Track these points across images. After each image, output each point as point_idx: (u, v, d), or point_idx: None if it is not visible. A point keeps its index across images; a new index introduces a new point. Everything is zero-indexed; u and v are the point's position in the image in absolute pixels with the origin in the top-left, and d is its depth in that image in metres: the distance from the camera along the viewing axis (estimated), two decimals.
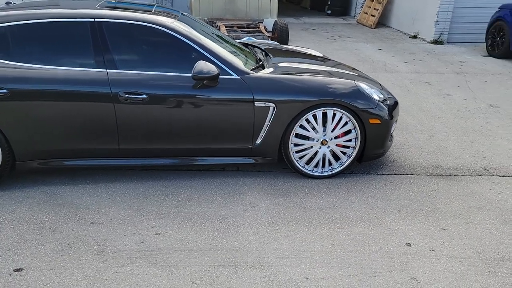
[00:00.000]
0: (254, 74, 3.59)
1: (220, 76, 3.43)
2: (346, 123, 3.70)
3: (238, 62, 3.64)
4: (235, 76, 3.52)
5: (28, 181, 3.58)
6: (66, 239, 2.88)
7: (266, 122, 3.59)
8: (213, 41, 3.72)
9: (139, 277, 2.56)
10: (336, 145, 3.76)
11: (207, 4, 9.10)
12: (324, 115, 3.65)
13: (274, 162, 3.78)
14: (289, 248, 2.87)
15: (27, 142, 3.34)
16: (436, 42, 10.47)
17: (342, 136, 3.75)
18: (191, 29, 3.66)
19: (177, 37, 3.49)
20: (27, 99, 3.24)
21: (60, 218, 3.12)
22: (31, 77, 3.24)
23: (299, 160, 3.78)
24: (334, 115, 3.65)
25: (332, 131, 3.70)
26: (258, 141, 3.65)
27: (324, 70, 4.05)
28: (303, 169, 3.80)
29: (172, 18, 3.71)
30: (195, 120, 3.49)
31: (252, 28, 8.54)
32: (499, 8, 9.28)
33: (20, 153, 3.37)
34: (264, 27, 8.62)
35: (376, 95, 3.78)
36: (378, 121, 3.71)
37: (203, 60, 3.41)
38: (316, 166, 3.83)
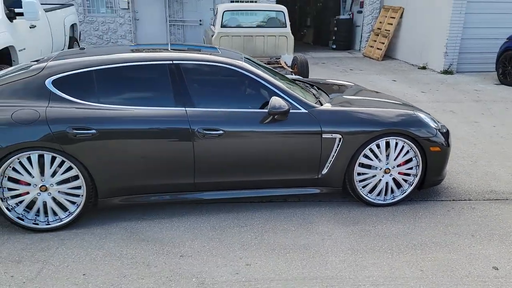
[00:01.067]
0: (320, 107, 3.77)
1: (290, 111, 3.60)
2: (407, 152, 3.86)
3: (303, 96, 3.83)
4: (303, 110, 3.69)
5: (105, 218, 3.66)
6: (163, 273, 2.96)
7: (332, 153, 3.74)
8: (276, 79, 3.91)
9: None
10: (398, 173, 3.91)
11: (226, 43, 9.40)
12: (387, 144, 3.81)
13: (339, 191, 3.90)
14: (381, 275, 2.96)
15: (110, 179, 3.45)
16: (446, 72, 10.83)
17: (403, 165, 3.91)
18: (257, 68, 3.85)
19: (248, 75, 3.68)
20: (113, 138, 3.37)
21: (149, 252, 3.19)
22: (116, 117, 3.39)
23: (363, 188, 3.91)
24: (396, 144, 3.81)
25: (394, 159, 3.85)
26: (324, 171, 3.79)
27: (378, 101, 4.25)
28: (366, 198, 3.93)
29: (239, 59, 3.91)
30: (266, 153, 3.63)
31: (273, 63, 8.82)
32: (507, 39, 9.68)
33: (103, 190, 3.47)
34: (285, 62, 8.91)
35: (432, 124, 3.96)
36: (438, 149, 3.88)
37: (274, 96, 3.59)
38: (378, 194, 3.96)
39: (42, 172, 3.37)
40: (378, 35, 13.47)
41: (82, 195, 3.46)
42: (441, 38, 10.86)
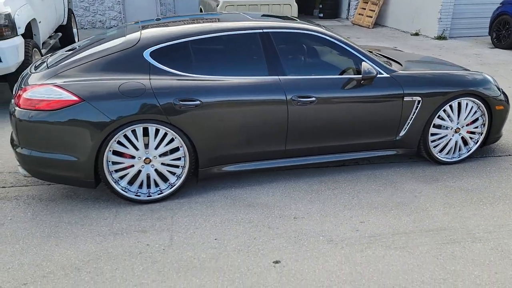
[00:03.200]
0: (400, 71, 3.94)
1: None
2: (475, 112, 4.11)
3: (384, 62, 3.98)
4: (386, 75, 3.85)
5: (198, 188, 3.74)
6: (289, 233, 3.10)
7: (411, 115, 3.94)
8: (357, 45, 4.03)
9: (387, 259, 2.83)
10: (467, 132, 4.17)
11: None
12: (458, 104, 4.04)
13: (413, 152, 4.13)
14: (488, 223, 3.22)
15: (210, 149, 3.51)
16: (440, 38, 11.20)
17: (471, 124, 4.16)
18: (338, 35, 3.96)
19: (334, 42, 3.78)
20: (214, 108, 3.42)
21: (263, 216, 3.32)
22: (217, 88, 3.43)
23: (434, 148, 4.16)
24: (466, 104, 4.05)
25: (464, 119, 4.10)
26: (402, 133, 4.00)
27: (441, 63, 4.47)
28: (437, 156, 4.18)
29: (320, 26, 4.00)
30: (353, 118, 3.79)
31: None
32: (500, 3, 10.10)
33: (203, 160, 3.53)
34: None
35: (496, 84, 4.23)
36: (502, 107, 4.15)
37: (364, 62, 3.72)
38: (447, 153, 4.21)
39: (145, 145, 3.38)
40: (367, 2, 13.65)
41: (184, 166, 3.51)
42: (435, 4, 11.17)
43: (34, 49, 6.03)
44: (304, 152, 3.83)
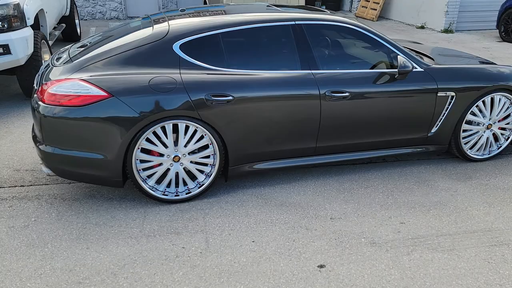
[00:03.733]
0: (434, 65, 3.81)
1: None
2: (508, 107, 4.01)
3: (417, 56, 3.85)
4: (419, 69, 3.72)
5: (225, 187, 3.60)
6: (328, 235, 2.98)
7: (444, 111, 3.82)
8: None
9: (436, 262, 2.71)
10: (498, 128, 4.06)
11: (241, 1, 9.19)
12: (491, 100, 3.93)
13: (445, 149, 4.02)
14: None
15: (241, 146, 3.37)
16: (446, 31, 11.09)
17: (502, 120, 4.05)
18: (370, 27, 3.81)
19: (369, 35, 3.65)
20: (246, 104, 3.27)
21: (298, 216, 3.19)
22: (250, 83, 3.28)
23: (465, 145, 4.04)
24: (499, 99, 3.94)
25: (497, 114, 3.99)
26: (434, 129, 3.88)
27: (472, 58, 4.35)
28: (468, 153, 4.07)
29: (353, 18, 3.85)
30: (385, 113, 3.66)
31: None
32: None
33: (233, 158, 3.39)
34: None
35: None
36: None
37: (399, 56, 3.59)
38: (478, 149, 4.10)
39: (174, 142, 3.24)
40: None
41: (214, 164, 3.37)
42: None
43: (42, 40, 5.83)
44: (334, 149, 3.70)
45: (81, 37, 9.29)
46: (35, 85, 3.45)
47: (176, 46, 3.25)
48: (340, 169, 3.95)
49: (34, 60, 5.49)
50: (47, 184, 3.63)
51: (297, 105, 3.40)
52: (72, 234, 2.94)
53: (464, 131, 3.98)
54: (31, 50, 5.38)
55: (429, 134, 3.89)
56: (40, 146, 3.18)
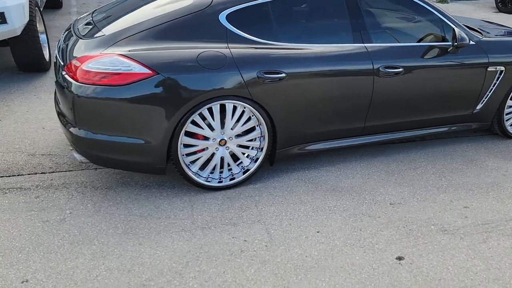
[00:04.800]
0: (485, 38, 3.62)
1: None
2: None
3: (467, 28, 3.63)
4: (471, 42, 3.52)
5: (268, 171, 3.35)
6: (395, 222, 2.79)
7: (491, 87, 3.65)
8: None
9: None
10: None
11: None
12: None
13: (487, 126, 3.88)
14: None
15: (290, 127, 3.11)
16: (441, 1, 10.94)
17: None
18: None
19: (423, 6, 3.40)
20: (299, 81, 3.00)
21: (355, 203, 3.00)
22: (302, 58, 3.00)
23: (507, 121, 3.91)
24: None
25: None
26: (479, 106, 3.72)
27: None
28: (509, 129, 3.95)
29: None
30: (436, 90, 3.46)
31: None
32: None
33: (282, 140, 3.13)
34: None
35: None
36: None
37: (456, 28, 3.36)
38: None
39: (221, 125, 2.95)
40: None
41: (261, 148, 3.11)
42: None
43: (36, 8, 5.31)
44: (381, 129, 3.49)
45: (63, 4, 8.62)
46: (59, 59, 3.06)
47: (222, 17, 2.91)
48: (380, 149, 3.76)
49: (30, 30, 4.99)
50: (71, 171, 3.29)
51: (350, 81, 3.15)
52: (118, 228, 2.65)
53: (509, 107, 3.84)
54: (27, 19, 4.88)
55: (474, 111, 3.73)
56: (71, 129, 2.83)
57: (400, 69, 3.24)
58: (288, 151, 3.22)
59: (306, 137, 3.24)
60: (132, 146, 2.78)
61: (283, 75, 2.92)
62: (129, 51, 2.73)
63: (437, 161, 3.58)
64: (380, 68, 3.18)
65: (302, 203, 2.97)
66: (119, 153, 2.82)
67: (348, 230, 2.71)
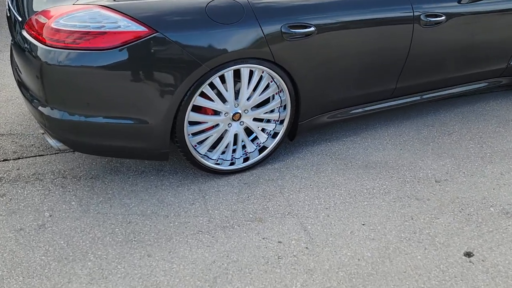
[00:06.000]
0: None
1: None
2: None
3: None
4: None
5: (284, 145, 2.82)
6: (448, 206, 2.36)
7: None
8: None
9: None
10: None
11: None
12: None
13: None
14: None
15: (316, 94, 2.56)
16: None
17: None
18: None
19: None
20: (328, 36, 2.41)
21: (395, 181, 2.54)
22: (331, 5, 2.40)
23: None
24: None
25: None
26: None
27: None
28: None
29: None
30: (475, 41, 3.00)
31: None
32: None
33: (306, 109, 2.59)
34: None
35: None
36: None
37: None
38: None
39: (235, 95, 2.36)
40: None
41: (281, 120, 2.55)
42: None
43: None
44: (412, 90, 3.00)
45: None
46: (14, 12, 2.32)
47: None
48: (405, 113, 3.30)
49: None
50: (42, 155, 2.64)
51: (386, 33, 2.61)
52: (117, 234, 2.08)
53: None
54: None
55: (508, 65, 3.29)
56: (40, 108, 2.16)
57: (443, 18, 2.71)
58: (314, 121, 2.68)
59: (334, 104, 2.70)
60: (126, 129, 2.16)
61: (312, 28, 2.32)
62: (114, 0, 2.04)
63: (470, 124, 3.16)
64: (421, 17, 2.64)
65: (335, 186, 2.47)
66: (109, 138, 2.19)
67: (397, 220, 2.25)
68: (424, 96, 3.09)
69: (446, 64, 2.97)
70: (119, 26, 1.98)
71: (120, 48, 1.98)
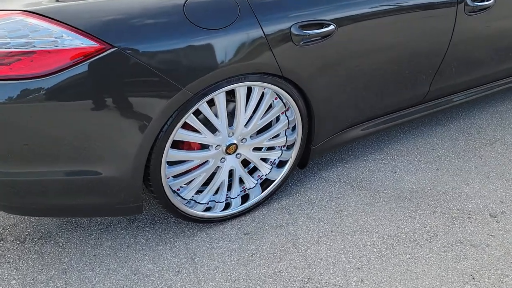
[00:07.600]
0: None
1: None
2: None
3: None
4: None
5: (294, 172, 2.23)
6: (508, 249, 1.81)
7: None
8: None
9: None
10: None
11: None
12: None
13: None
14: None
15: (334, 110, 1.96)
16: None
17: None
18: None
19: None
20: (351, 34, 1.79)
21: (440, 220, 1.97)
22: None
23: None
24: None
25: None
26: None
27: None
28: None
29: None
30: None
31: None
32: None
33: (321, 130, 1.98)
34: None
35: None
36: None
37: None
38: None
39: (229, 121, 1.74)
40: None
41: (292, 145, 1.95)
42: None
43: None
44: (446, 91, 2.42)
45: None
46: None
47: None
48: (432, 117, 2.72)
49: None
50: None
51: (424, 22, 1.99)
52: None
53: None
54: None
55: None
56: None
57: (491, 1, 2.10)
58: (328, 142, 2.07)
59: (356, 118, 2.10)
60: (83, 183, 1.53)
61: (332, 27, 1.69)
62: (48, 5, 1.38)
63: (501, 130, 2.61)
64: (467, 1, 2.03)
65: (365, 232, 1.89)
66: (59, 197, 1.56)
67: (455, 282, 1.69)
68: (458, 99, 2.51)
69: (489, 58, 2.39)
70: (56, 42, 1.33)
71: (57, 73, 1.33)
